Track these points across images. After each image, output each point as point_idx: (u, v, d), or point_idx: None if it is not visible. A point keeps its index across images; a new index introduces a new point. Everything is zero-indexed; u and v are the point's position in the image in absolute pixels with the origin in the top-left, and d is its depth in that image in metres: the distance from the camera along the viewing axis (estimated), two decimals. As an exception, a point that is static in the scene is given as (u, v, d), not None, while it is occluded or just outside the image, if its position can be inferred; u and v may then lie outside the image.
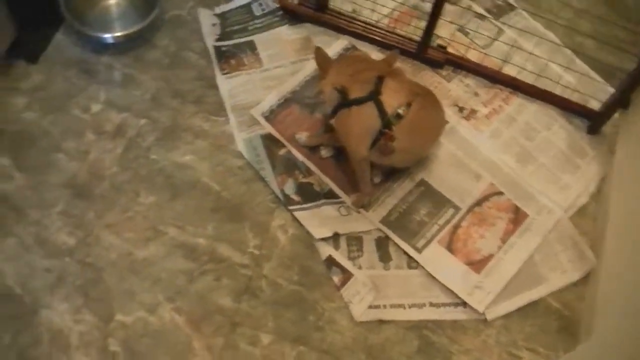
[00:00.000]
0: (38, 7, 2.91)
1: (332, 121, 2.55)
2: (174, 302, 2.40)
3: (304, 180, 2.64)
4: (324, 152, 2.70)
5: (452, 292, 2.48)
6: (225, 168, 2.66)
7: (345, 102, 2.48)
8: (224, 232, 2.54)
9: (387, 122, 2.44)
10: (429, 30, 2.83)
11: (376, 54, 2.93)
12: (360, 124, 2.47)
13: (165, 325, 2.36)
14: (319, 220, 2.57)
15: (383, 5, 3.06)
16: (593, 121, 2.86)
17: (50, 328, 2.34)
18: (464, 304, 2.46)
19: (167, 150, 2.69)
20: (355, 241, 2.54)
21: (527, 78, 2.95)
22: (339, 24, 3.00)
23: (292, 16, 3.05)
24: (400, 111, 2.44)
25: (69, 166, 2.64)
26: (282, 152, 2.70)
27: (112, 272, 2.45)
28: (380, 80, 2.47)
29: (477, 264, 2.53)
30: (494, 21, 3.15)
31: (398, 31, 3.01)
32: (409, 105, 2.46)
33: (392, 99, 2.46)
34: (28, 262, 2.46)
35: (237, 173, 2.66)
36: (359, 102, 2.46)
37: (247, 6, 3.10)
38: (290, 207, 2.58)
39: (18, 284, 2.41)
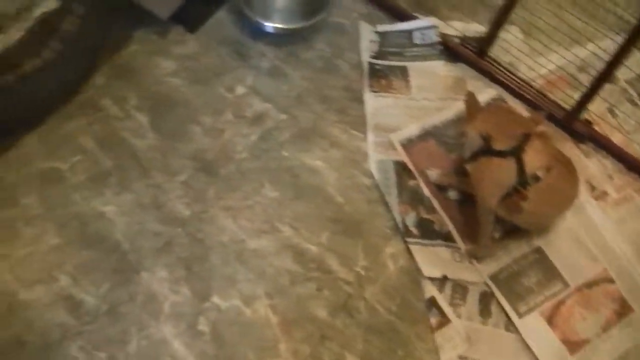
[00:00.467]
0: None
1: (468, 166, 2.53)
2: (272, 299, 2.40)
3: (426, 216, 2.63)
4: (452, 194, 2.68)
5: (541, 365, 2.43)
6: (353, 183, 2.66)
7: (487, 150, 2.46)
8: (336, 244, 2.53)
9: (523, 181, 2.41)
10: (583, 104, 2.80)
11: (522, 112, 2.90)
12: (497, 175, 2.44)
13: (258, 320, 2.36)
14: (432, 259, 2.55)
15: (542, 66, 3.04)
16: None
17: (147, 291, 2.37)
18: (550, 379, 2.42)
19: (300, 151, 2.70)
20: (460, 289, 2.52)
21: (666, 175, 2.90)
22: (495, 74, 2.99)
23: (450, 54, 3.04)
24: (539, 173, 2.42)
25: (202, 140, 2.67)
26: (411, 182, 2.69)
27: (219, 254, 2.46)
28: (526, 137, 2.45)
29: (573, 345, 2.48)
30: (645, 109, 3.11)
31: (549, 95, 2.98)
32: (548, 170, 2.43)
33: (534, 159, 2.43)
34: (141, 221, 2.49)
35: (363, 191, 2.65)
36: (501, 154, 2.43)
37: (408, 32, 3.10)
38: (407, 239, 2.56)
39: (127, 240, 2.45)
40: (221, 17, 2.99)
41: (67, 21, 2.53)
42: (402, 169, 2.71)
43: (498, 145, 2.44)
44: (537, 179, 2.42)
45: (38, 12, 2.46)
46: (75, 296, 2.34)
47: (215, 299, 2.38)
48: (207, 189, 2.58)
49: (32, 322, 2.28)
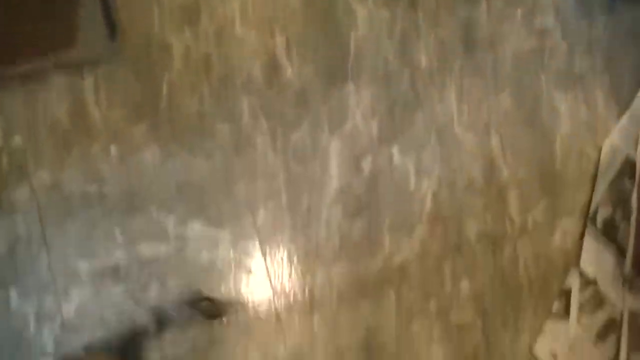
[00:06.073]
0: None
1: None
2: (440, 186, 2.40)
3: (618, 221, 2.49)
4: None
5: None
6: (579, 144, 2.55)
7: None
8: (525, 183, 2.49)
9: None
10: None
11: None
12: None
13: (415, 193, 2.36)
14: (595, 258, 2.46)
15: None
16: None
17: (341, 102, 2.40)
18: None
19: (556, 87, 2.57)
20: (598, 301, 2.43)
21: None
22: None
23: None
24: None
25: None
26: (627, 184, 2.52)
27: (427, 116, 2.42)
28: None
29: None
30: None
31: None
32: None
33: None
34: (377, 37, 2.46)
35: (582, 157, 2.54)
36: None
37: None
38: (589, 225, 2.47)
39: (356, 47, 2.44)
40: None
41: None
42: (628, 168, 2.54)
43: None
44: None
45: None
46: (279, 59, 2.37)
47: (394, 150, 2.35)
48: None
49: (230, 59, 2.35)
